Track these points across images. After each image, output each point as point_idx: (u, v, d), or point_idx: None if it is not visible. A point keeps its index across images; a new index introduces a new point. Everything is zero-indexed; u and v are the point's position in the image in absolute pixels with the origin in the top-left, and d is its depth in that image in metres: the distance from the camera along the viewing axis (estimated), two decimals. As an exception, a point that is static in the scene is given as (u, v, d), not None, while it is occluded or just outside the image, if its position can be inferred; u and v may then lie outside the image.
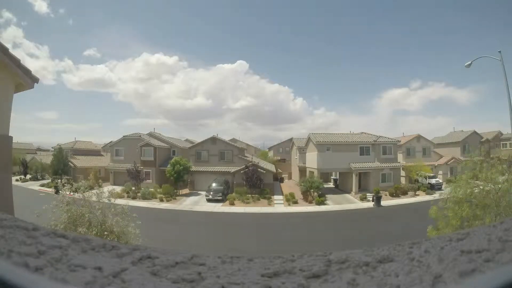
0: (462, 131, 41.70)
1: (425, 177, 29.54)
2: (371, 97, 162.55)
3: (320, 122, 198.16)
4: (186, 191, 29.51)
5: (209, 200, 25.03)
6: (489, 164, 8.27)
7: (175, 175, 27.91)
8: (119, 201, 10.42)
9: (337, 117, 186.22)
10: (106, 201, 8.10)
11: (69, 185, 8.59)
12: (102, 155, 43.17)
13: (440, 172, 34.10)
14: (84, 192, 8.12)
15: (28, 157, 43.84)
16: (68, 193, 8.29)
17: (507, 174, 7.80)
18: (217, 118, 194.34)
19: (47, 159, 40.65)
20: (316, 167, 29.34)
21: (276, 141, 60.45)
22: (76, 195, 8.23)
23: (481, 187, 7.67)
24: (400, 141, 32.63)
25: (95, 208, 7.69)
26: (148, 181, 30.88)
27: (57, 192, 9.40)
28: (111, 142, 39.09)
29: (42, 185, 33.17)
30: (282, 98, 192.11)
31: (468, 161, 8.84)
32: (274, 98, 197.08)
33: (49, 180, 33.95)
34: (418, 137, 35.91)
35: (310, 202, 24.20)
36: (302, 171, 34.78)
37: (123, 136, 35.31)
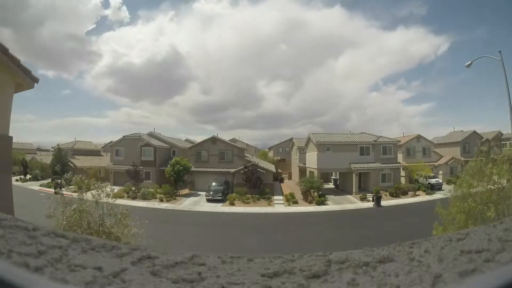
0: (462, 131, 41.73)
1: (425, 177, 29.54)
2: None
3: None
4: (186, 191, 29.50)
5: (209, 200, 25.01)
6: (493, 163, 8.29)
7: (174, 175, 27.91)
8: (118, 201, 10.38)
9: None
10: (105, 200, 8.04)
11: (63, 187, 8.64)
12: (102, 155, 43.21)
13: (440, 172, 34.10)
14: (82, 192, 8.09)
15: (28, 157, 43.83)
16: (67, 193, 8.28)
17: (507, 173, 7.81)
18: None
19: (47, 159, 40.66)
20: (316, 167, 29.32)
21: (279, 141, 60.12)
22: (75, 195, 8.20)
23: (481, 187, 7.69)
24: (400, 141, 32.64)
25: (92, 209, 7.64)
26: (148, 181, 30.86)
27: (56, 192, 9.42)
28: (111, 142, 39.12)
29: (42, 185, 33.18)
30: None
31: (474, 161, 8.86)
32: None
33: (49, 180, 33.97)
34: (418, 137, 35.92)
35: (310, 202, 24.20)
36: (302, 171, 34.78)
37: (123, 136, 35.31)
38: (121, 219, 7.74)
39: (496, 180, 7.58)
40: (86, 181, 8.33)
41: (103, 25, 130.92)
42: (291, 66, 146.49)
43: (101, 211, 7.66)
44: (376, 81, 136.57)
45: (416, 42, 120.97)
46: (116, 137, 37.83)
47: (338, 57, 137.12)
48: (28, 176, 39.90)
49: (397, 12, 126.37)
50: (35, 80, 4.82)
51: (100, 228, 7.44)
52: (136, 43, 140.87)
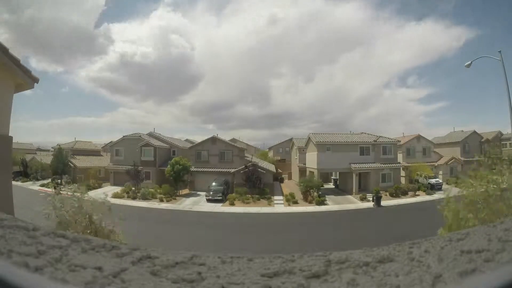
0: (462, 131, 41.73)
1: (425, 177, 29.55)
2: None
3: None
4: (186, 191, 29.50)
5: (209, 200, 25.00)
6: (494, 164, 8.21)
7: (174, 175, 27.92)
8: (118, 202, 10.38)
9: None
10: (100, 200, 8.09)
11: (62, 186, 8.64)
12: (102, 155, 43.21)
13: (440, 172, 34.10)
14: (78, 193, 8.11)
15: (28, 157, 43.80)
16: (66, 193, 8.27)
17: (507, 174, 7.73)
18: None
19: (47, 159, 40.63)
20: (316, 167, 29.32)
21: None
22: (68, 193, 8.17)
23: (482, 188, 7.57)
24: (400, 141, 32.64)
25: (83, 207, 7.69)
26: (148, 181, 30.84)
27: (56, 193, 9.40)
28: (111, 142, 39.14)
29: (42, 185, 33.15)
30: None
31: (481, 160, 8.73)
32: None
33: (49, 180, 33.94)
34: (418, 137, 35.93)
35: (310, 202, 24.19)
36: (302, 171, 34.76)
37: (123, 136, 35.32)
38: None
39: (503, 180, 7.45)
40: (81, 186, 8.31)
41: (107, 16, 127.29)
42: (299, 61, 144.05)
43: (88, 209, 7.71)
44: (381, 80, 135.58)
45: (430, 37, 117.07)
46: (115, 137, 37.84)
47: (346, 53, 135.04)
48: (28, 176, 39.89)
49: (396, 8, 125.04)
50: (35, 80, 4.83)
51: (91, 225, 7.50)
52: (137, 39, 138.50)
